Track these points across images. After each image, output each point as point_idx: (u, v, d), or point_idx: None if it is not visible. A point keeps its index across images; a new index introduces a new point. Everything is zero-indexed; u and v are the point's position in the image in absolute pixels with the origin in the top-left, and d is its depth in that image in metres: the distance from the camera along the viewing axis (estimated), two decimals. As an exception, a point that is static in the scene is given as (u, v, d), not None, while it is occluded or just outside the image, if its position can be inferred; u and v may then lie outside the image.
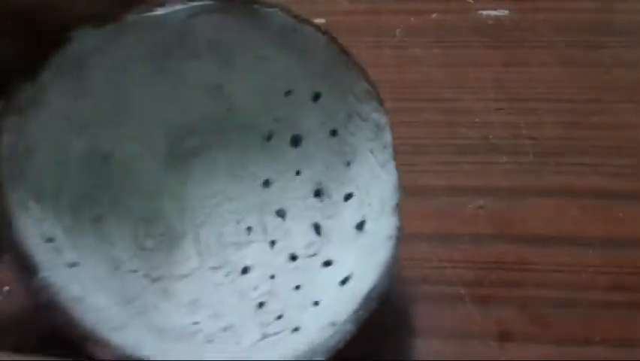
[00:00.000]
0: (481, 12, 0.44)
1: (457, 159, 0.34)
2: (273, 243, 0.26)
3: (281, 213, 0.27)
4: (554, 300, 0.26)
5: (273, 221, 0.27)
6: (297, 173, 0.27)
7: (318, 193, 0.27)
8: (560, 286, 0.26)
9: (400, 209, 0.23)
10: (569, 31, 0.43)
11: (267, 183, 0.28)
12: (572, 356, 0.24)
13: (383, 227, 0.23)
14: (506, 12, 0.44)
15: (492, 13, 0.44)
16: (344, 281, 0.23)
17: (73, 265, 0.20)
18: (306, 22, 0.24)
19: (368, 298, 0.21)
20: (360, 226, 0.24)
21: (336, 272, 0.24)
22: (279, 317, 0.23)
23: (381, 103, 0.25)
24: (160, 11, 0.23)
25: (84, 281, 0.20)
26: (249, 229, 0.27)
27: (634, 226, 0.30)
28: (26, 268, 0.17)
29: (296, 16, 0.24)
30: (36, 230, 0.19)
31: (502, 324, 0.26)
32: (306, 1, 0.44)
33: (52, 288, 0.17)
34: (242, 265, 0.26)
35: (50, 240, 0.20)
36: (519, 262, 0.28)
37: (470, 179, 0.33)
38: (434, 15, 0.44)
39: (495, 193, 0.32)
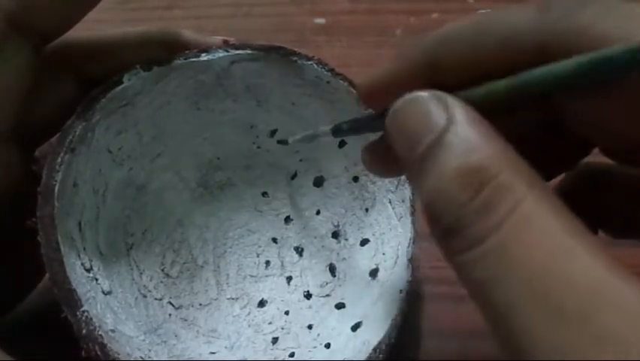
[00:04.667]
0: (481, 12, 0.44)
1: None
2: (289, 279, 0.28)
3: (299, 250, 0.28)
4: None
5: (291, 257, 0.28)
6: (317, 213, 0.29)
7: (335, 235, 0.28)
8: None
9: (414, 265, 0.24)
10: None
11: (288, 220, 0.29)
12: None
13: (396, 279, 0.24)
14: (506, 12, 0.44)
15: (492, 13, 0.44)
16: (355, 328, 0.24)
17: (107, 293, 0.22)
18: (340, 75, 0.26)
19: (377, 350, 0.22)
20: (373, 274, 0.26)
21: (348, 316, 0.25)
22: (292, 355, 0.24)
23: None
24: (205, 56, 0.24)
25: (116, 310, 0.22)
26: (268, 263, 0.28)
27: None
28: (71, 301, 0.18)
29: (331, 70, 0.26)
30: (78, 261, 0.21)
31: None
32: (306, 1, 0.46)
33: (92, 321, 0.19)
34: (258, 298, 0.27)
35: (88, 270, 0.21)
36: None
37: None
38: (434, 15, 0.44)
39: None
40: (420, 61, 0.16)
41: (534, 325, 0.11)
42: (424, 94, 0.15)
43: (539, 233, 0.12)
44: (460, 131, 0.13)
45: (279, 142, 0.27)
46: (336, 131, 0.21)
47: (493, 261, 0.12)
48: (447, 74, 0.15)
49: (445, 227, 0.13)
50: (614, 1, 0.14)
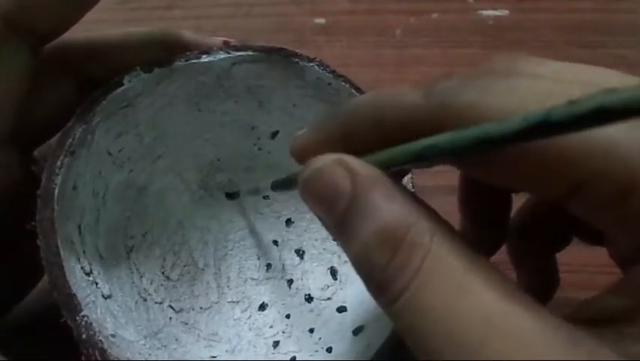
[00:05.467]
0: (481, 12, 0.44)
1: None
2: (290, 282, 0.28)
3: (300, 253, 0.28)
4: (554, 300, 0.26)
5: (292, 260, 0.28)
6: None
7: (337, 237, 0.28)
8: (560, 286, 0.26)
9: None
10: (569, 31, 0.42)
11: (289, 222, 0.29)
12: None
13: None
14: (506, 12, 0.44)
15: (492, 13, 0.44)
16: (357, 331, 0.24)
17: (107, 297, 0.21)
18: (342, 77, 0.25)
19: (380, 353, 0.22)
20: (375, 277, 0.26)
21: (350, 320, 0.25)
22: (293, 359, 0.24)
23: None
24: (206, 58, 0.24)
25: (116, 314, 0.21)
26: (269, 265, 0.28)
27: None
28: (71, 306, 0.18)
29: (332, 71, 0.25)
30: (77, 265, 0.20)
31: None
32: (306, 1, 0.46)
33: (92, 326, 0.18)
34: (259, 302, 0.27)
35: (88, 273, 0.21)
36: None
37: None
38: (434, 15, 0.44)
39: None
40: (335, 132, 0.17)
41: (445, 359, 0.13)
42: (327, 161, 0.15)
43: (442, 278, 0.13)
44: (367, 197, 0.15)
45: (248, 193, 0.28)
46: (273, 186, 0.22)
47: (412, 310, 0.14)
48: (359, 144, 0.16)
49: (374, 286, 0.15)
50: (493, 79, 0.14)
